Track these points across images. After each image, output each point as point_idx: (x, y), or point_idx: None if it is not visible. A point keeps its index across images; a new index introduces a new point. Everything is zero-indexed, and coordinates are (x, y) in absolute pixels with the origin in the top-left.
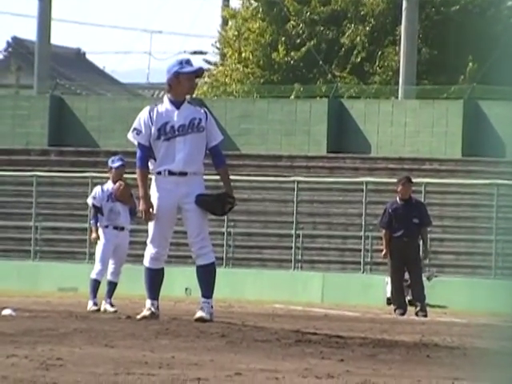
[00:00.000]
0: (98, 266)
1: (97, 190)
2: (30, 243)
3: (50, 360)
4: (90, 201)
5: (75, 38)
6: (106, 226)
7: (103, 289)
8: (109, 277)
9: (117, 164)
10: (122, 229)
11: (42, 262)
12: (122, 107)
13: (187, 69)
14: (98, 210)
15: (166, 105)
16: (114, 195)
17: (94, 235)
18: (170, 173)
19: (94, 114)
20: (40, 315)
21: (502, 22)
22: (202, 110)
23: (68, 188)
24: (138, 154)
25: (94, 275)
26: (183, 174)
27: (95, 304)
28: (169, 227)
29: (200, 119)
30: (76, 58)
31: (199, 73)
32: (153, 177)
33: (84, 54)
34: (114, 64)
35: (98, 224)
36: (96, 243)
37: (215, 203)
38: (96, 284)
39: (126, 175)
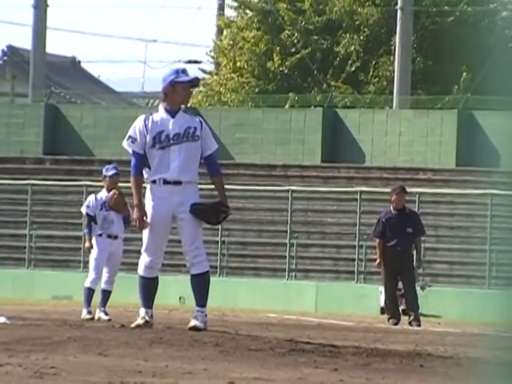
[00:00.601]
0: (91, 274)
1: (90, 198)
2: (25, 251)
3: (43, 368)
4: (83, 209)
5: (70, 46)
6: (100, 235)
7: (97, 297)
8: (103, 285)
9: (111, 172)
10: (116, 237)
11: (37, 270)
12: (117, 116)
13: (183, 78)
14: (91, 218)
15: (161, 113)
16: (107, 204)
17: (87, 244)
18: (165, 181)
19: (89, 123)
20: (34, 323)
21: (496, 33)
22: (197, 119)
23: (63, 196)
24: (133, 161)
25: (87, 284)
26: (178, 182)
27: (89, 312)
28: (163, 236)
29: (195, 128)
30: (71, 67)
31: (195, 83)
32: (147, 185)
33: (79, 62)
34: (108, 73)
35: (92, 233)
36: (89, 252)
37: (210, 212)
38: (90, 292)
39: (120, 184)
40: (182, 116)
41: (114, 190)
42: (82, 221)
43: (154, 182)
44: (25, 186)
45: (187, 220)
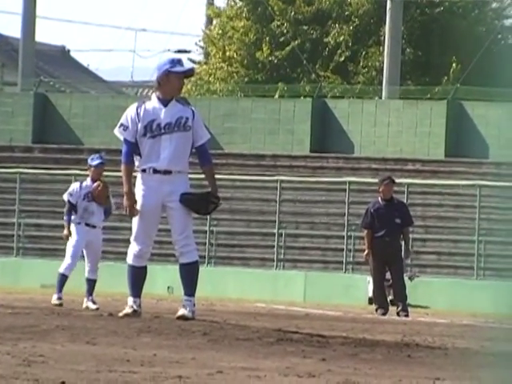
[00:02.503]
0: (67, 260)
1: (75, 186)
2: (13, 240)
3: (31, 357)
4: (65, 197)
5: (60, 35)
6: (79, 223)
7: (79, 286)
8: (87, 275)
9: (96, 162)
10: (94, 227)
11: (25, 258)
12: (106, 105)
13: (178, 68)
14: (72, 206)
15: (153, 102)
16: (91, 195)
17: (65, 232)
18: (155, 171)
19: (78, 112)
20: (22, 312)
21: (486, 24)
22: (190, 109)
23: (51, 185)
24: (124, 149)
25: (62, 270)
26: (168, 172)
27: (59, 298)
28: (153, 225)
29: (187, 118)
30: (60, 56)
31: (189, 73)
32: (138, 174)
33: (68, 51)
34: (98, 62)
35: (71, 221)
36: (67, 240)
37: (199, 202)
38: (63, 278)
39: (105, 173)
40: (174, 105)
41: (98, 182)
42: None
43: (144, 170)
44: (13, 174)
45: (177, 209)
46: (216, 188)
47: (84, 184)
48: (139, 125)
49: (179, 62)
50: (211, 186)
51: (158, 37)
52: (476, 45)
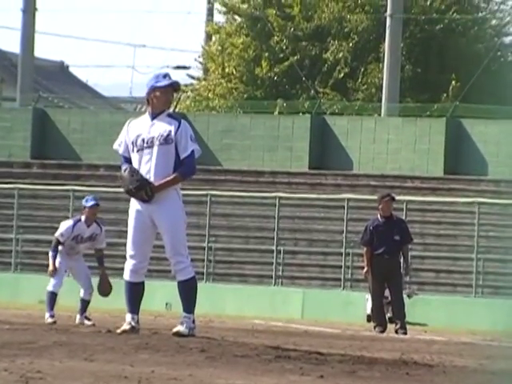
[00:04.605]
0: (53, 279)
1: (67, 226)
2: (11, 255)
3: (29, 373)
4: (57, 235)
5: (59, 51)
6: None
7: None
8: (81, 295)
9: (90, 203)
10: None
11: (23, 274)
12: (105, 121)
13: (162, 83)
14: (60, 243)
15: (144, 118)
16: (80, 238)
17: (51, 268)
18: None
19: (77, 127)
20: (20, 328)
21: (485, 41)
22: (177, 122)
23: (49, 201)
24: (122, 163)
25: (50, 288)
26: None
27: (52, 316)
28: (144, 240)
29: (170, 131)
30: (59, 71)
31: (175, 86)
32: None
33: (67, 67)
34: (97, 77)
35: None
36: (52, 276)
37: (136, 187)
38: (53, 296)
39: (104, 189)
40: (161, 119)
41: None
42: None
43: None
44: (12, 190)
45: (165, 227)
46: (160, 188)
47: (77, 225)
48: (127, 140)
49: (165, 76)
50: (161, 183)
51: (157, 53)
52: (475, 62)
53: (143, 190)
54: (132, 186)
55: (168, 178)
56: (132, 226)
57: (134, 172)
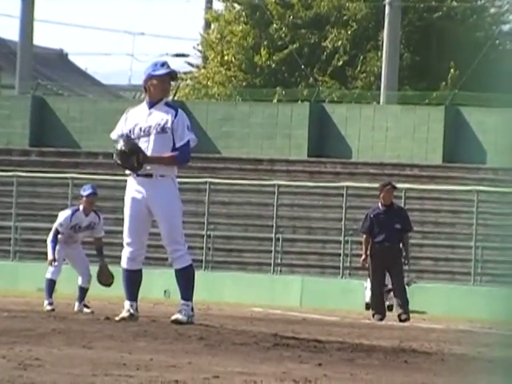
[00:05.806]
0: (51, 267)
1: (66, 217)
2: (10, 243)
3: (27, 360)
4: (57, 226)
5: (58, 38)
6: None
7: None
8: (79, 283)
9: (87, 192)
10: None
11: (22, 262)
12: (104, 108)
13: (159, 71)
14: (59, 232)
15: (141, 107)
16: (78, 227)
17: (50, 257)
18: (138, 174)
19: (76, 115)
20: (19, 315)
21: (484, 29)
22: (174, 111)
23: (48, 188)
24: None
25: (49, 275)
26: (148, 175)
27: (50, 304)
28: (141, 228)
29: (166, 120)
30: (58, 59)
31: (172, 75)
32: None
33: (66, 54)
34: (96, 65)
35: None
36: (51, 265)
37: (127, 154)
38: (51, 283)
39: (104, 177)
40: (158, 108)
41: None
42: None
43: (129, 174)
44: (11, 177)
45: (161, 215)
46: (152, 160)
47: (75, 215)
48: (125, 129)
49: (163, 64)
50: (154, 156)
51: (157, 41)
52: (474, 50)
53: (135, 155)
54: (126, 147)
55: (164, 155)
56: (128, 214)
57: (130, 138)
